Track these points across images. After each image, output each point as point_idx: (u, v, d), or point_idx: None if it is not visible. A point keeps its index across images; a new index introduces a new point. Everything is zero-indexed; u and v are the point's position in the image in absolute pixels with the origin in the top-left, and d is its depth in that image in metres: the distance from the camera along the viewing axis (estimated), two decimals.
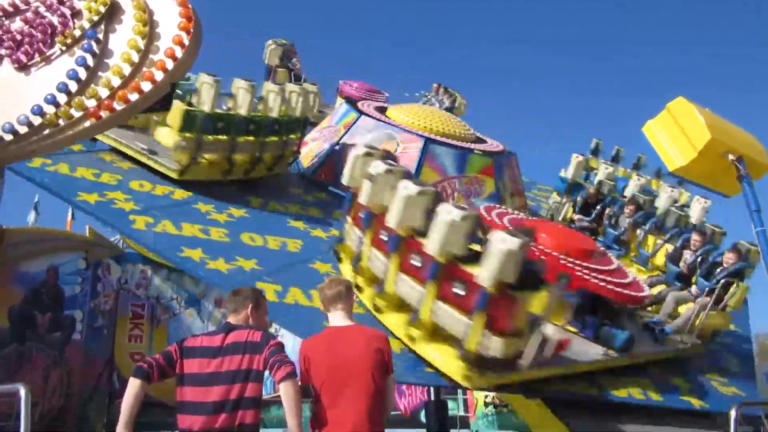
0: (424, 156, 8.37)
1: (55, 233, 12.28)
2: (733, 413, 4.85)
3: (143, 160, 6.93)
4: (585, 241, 6.67)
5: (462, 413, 16.80)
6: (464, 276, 4.57)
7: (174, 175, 6.74)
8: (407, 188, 4.77)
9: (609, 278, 5.88)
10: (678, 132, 5.80)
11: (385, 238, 5.07)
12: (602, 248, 7.07)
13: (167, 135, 6.67)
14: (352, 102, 9.80)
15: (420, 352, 4.96)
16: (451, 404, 15.06)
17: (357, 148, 5.73)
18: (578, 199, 9.62)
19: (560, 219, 9.78)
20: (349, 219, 5.86)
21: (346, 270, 5.89)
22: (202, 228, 6.17)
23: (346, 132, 8.83)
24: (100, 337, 12.19)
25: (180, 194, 6.71)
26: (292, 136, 8.00)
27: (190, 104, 6.73)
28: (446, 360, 4.81)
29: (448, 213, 4.54)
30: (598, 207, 9.29)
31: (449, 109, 12.19)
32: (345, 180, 5.77)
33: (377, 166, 5.15)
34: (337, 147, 8.73)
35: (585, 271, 5.73)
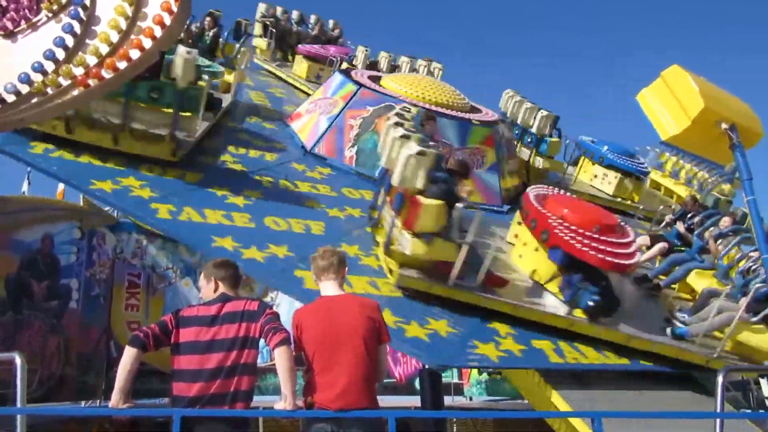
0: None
1: (49, 202, 12.23)
2: (720, 379, 4.87)
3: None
4: (606, 217, 6.68)
5: (456, 381, 17.04)
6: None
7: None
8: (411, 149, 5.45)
9: (602, 246, 5.91)
10: (672, 100, 5.75)
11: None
12: (623, 223, 6.90)
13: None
14: (346, 73, 9.68)
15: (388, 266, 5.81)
16: (445, 372, 15.29)
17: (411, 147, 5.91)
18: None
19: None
20: (387, 198, 6.24)
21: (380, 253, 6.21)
22: (225, 214, 6.12)
23: (345, 105, 8.70)
24: (96, 306, 12.23)
25: (191, 177, 6.63)
26: None
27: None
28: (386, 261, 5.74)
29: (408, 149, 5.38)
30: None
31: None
32: (383, 162, 6.30)
33: (411, 148, 5.50)
34: (337, 120, 8.62)
35: (576, 235, 5.88)
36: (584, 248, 5.75)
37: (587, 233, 5.92)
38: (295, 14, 14.70)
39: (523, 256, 6.54)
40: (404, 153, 5.42)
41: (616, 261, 5.82)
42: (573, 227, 5.95)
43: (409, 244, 5.45)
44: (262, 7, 14.11)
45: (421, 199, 5.41)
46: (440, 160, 5.80)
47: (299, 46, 13.37)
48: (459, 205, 5.63)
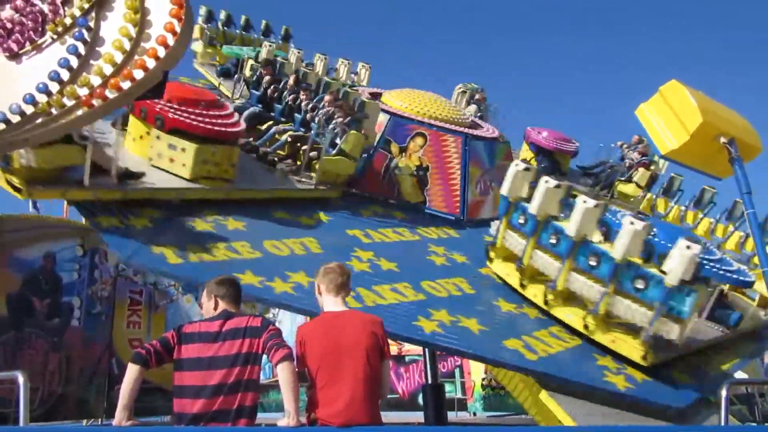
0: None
1: (51, 220, 12.29)
2: (723, 392, 4.82)
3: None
4: (198, 93, 7.12)
5: (459, 396, 16.98)
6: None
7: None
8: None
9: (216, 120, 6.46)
10: (670, 115, 5.78)
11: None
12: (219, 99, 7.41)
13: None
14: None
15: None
16: (448, 387, 15.23)
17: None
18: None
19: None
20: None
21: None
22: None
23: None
24: (98, 324, 12.24)
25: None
26: None
27: None
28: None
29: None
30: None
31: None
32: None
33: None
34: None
35: (188, 114, 6.28)
36: (196, 122, 6.18)
37: (197, 110, 6.32)
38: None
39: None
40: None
41: (224, 129, 6.35)
42: (182, 107, 6.25)
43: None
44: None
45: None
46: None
47: None
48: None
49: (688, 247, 5.42)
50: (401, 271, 6.39)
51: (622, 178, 10.77)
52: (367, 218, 7.58)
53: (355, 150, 7.53)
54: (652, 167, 10.82)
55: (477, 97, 11.85)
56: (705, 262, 6.32)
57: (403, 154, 8.41)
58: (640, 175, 10.61)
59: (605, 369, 5.67)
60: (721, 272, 6.55)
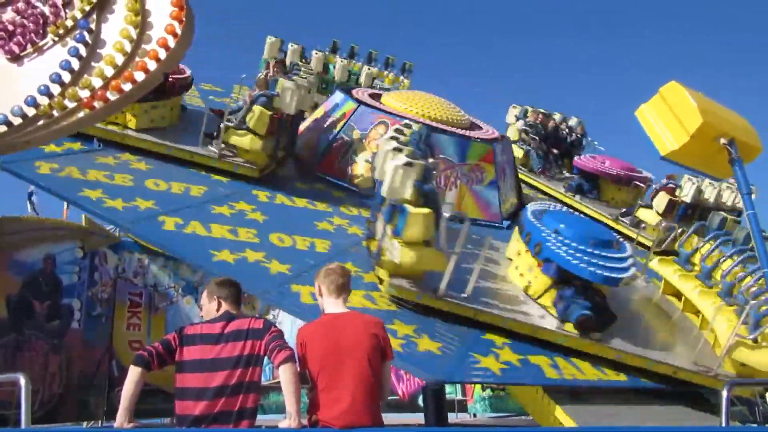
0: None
1: (50, 222, 12.27)
2: (724, 393, 4.82)
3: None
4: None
5: (460, 397, 16.96)
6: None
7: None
8: (396, 160, 5.56)
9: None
10: (670, 116, 5.81)
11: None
12: None
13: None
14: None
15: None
16: (448, 388, 15.22)
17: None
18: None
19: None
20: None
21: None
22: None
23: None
24: (98, 326, 12.23)
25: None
26: None
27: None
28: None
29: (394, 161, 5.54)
30: None
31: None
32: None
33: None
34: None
35: None
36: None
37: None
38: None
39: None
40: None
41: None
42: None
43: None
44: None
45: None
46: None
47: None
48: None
49: (394, 158, 5.47)
50: (263, 223, 6.41)
51: (642, 203, 9.85)
52: (294, 189, 7.72)
53: (258, 126, 7.49)
54: (677, 193, 9.64)
55: (528, 115, 12.29)
56: (572, 251, 5.73)
57: (363, 140, 8.55)
58: (659, 199, 9.55)
59: (392, 334, 5.06)
60: (588, 268, 5.68)
